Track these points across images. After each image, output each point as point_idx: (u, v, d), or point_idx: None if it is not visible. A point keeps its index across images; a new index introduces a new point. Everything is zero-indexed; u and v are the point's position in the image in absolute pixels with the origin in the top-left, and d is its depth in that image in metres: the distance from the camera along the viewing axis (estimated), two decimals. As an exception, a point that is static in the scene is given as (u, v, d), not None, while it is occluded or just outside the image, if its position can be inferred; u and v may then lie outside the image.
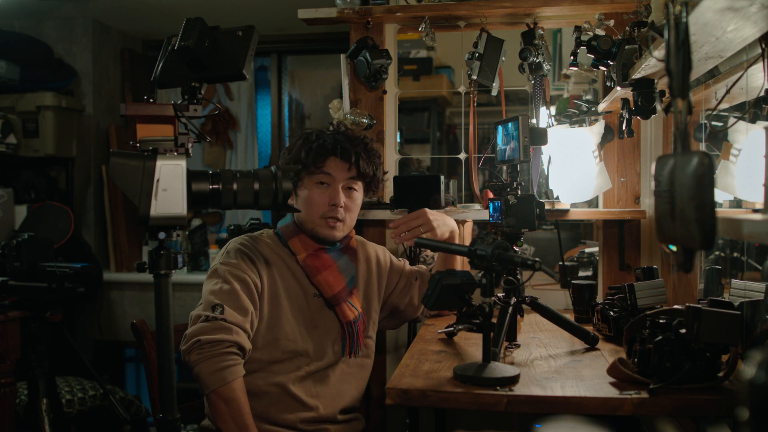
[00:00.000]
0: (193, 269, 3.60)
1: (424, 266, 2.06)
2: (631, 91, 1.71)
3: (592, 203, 2.35)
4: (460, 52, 2.40)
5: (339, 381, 1.78)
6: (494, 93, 2.30)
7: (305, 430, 1.71)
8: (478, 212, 2.32)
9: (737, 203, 1.82)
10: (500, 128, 1.92)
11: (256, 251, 1.74)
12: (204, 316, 1.57)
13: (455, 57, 2.93)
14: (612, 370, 1.37)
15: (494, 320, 1.44)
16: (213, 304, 1.59)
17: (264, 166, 4.11)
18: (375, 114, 2.39)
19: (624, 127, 1.85)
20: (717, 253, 2.03)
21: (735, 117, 1.72)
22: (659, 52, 1.38)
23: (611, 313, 1.74)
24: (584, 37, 1.78)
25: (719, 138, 1.86)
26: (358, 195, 1.81)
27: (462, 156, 2.46)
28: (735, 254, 2.00)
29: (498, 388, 1.32)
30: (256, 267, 1.71)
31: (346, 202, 1.76)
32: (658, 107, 1.69)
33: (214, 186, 1.28)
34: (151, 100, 1.24)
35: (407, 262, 2.02)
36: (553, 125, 2.34)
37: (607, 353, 1.63)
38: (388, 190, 2.37)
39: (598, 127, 2.21)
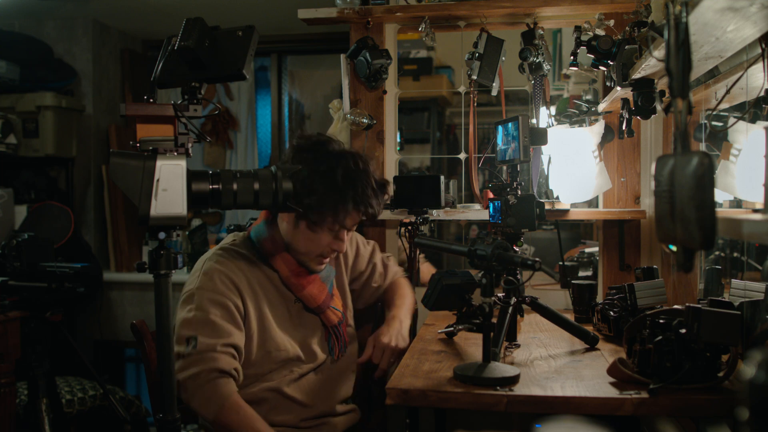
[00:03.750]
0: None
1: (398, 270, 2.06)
2: (631, 91, 1.71)
3: (592, 203, 2.35)
4: (460, 52, 2.40)
5: (332, 376, 1.78)
6: (494, 93, 2.30)
7: (307, 427, 1.72)
8: (478, 212, 2.31)
9: (737, 203, 1.81)
10: (500, 128, 1.92)
11: (234, 269, 1.65)
12: (181, 355, 1.54)
13: (455, 57, 2.93)
14: (612, 370, 1.37)
15: (494, 320, 1.44)
16: (186, 337, 1.54)
17: (264, 166, 4.10)
18: (375, 114, 2.39)
19: (624, 127, 1.85)
20: (717, 253, 2.03)
21: (735, 117, 1.72)
22: (659, 52, 1.38)
23: (611, 313, 1.74)
24: (584, 37, 1.78)
25: (719, 138, 1.86)
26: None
27: (462, 156, 2.46)
28: (735, 254, 2.00)
29: (498, 388, 1.32)
30: (237, 287, 1.63)
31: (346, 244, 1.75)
32: (658, 107, 1.69)
33: (214, 186, 1.28)
34: (151, 100, 1.23)
35: (376, 246, 2.02)
36: (553, 125, 2.34)
37: (607, 353, 1.63)
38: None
39: (598, 127, 2.21)
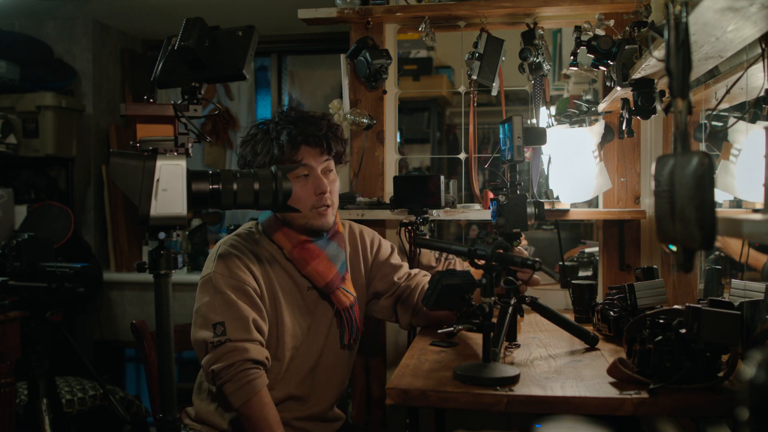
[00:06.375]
0: (193, 269, 3.59)
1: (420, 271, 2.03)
2: (631, 91, 1.71)
3: (592, 203, 2.35)
4: (460, 52, 2.40)
5: (328, 370, 1.79)
6: (494, 93, 2.30)
7: (299, 427, 1.73)
8: (478, 212, 2.31)
9: (737, 203, 1.81)
10: (502, 128, 1.92)
11: (248, 252, 1.71)
12: (210, 344, 1.57)
13: (455, 57, 2.93)
14: (612, 370, 1.37)
15: (494, 320, 1.44)
16: (213, 322, 1.58)
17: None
18: (375, 114, 2.39)
19: (624, 127, 1.85)
20: (717, 253, 2.03)
21: (735, 117, 1.72)
22: (659, 52, 1.38)
23: (611, 313, 1.74)
24: (584, 37, 1.78)
25: (719, 138, 1.86)
26: (335, 174, 1.80)
27: (462, 156, 2.46)
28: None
29: (498, 388, 1.32)
30: (251, 270, 1.68)
31: (329, 185, 1.76)
32: (658, 107, 1.68)
33: (214, 186, 1.28)
34: (151, 100, 1.23)
35: (406, 262, 2.01)
36: (553, 125, 2.34)
37: (607, 353, 1.63)
38: (388, 190, 2.37)
39: (598, 127, 2.21)
